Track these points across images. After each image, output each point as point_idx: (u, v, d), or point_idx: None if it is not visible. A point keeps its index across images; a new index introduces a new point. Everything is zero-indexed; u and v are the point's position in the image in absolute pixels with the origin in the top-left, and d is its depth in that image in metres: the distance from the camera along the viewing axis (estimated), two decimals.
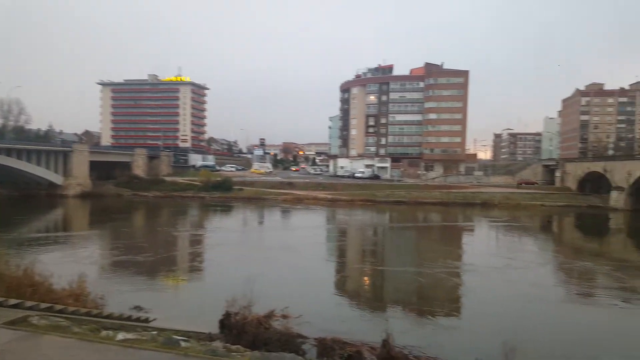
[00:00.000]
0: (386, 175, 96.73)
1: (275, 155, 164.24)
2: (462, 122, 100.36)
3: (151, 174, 79.47)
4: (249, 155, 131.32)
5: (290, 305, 12.76)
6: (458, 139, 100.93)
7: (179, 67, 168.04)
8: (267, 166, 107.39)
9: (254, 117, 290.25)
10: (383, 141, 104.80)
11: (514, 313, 16.54)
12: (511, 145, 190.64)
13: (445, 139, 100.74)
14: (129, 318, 12.51)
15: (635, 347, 13.96)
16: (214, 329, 11.63)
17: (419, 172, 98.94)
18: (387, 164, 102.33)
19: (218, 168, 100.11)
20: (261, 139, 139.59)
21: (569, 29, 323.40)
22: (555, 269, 26.37)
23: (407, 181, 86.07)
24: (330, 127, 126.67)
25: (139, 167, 78.78)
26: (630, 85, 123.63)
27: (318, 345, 11.38)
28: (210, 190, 65.27)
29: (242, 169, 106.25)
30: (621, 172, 57.69)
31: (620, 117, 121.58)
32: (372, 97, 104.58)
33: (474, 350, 11.70)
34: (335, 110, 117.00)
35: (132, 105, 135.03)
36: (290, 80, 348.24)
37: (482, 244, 34.82)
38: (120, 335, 8.22)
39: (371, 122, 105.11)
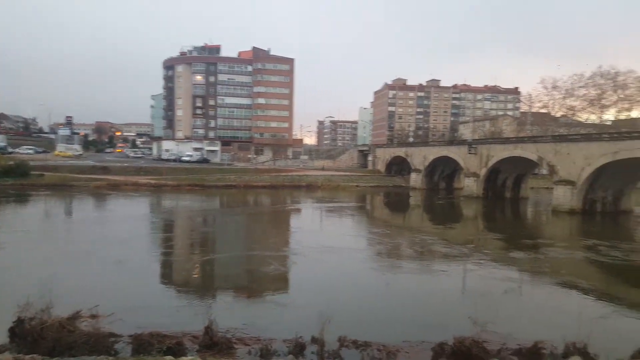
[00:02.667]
0: (216, 159, 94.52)
1: (86, 135, 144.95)
2: (289, 108, 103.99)
3: None
4: (53, 136, 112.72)
5: (106, 302, 11.28)
6: (286, 124, 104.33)
7: None
8: (76, 148, 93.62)
9: (59, 91, 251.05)
10: (212, 124, 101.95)
11: (336, 287, 17.56)
12: (332, 132, 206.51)
13: (274, 124, 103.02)
14: None
15: (434, 303, 16.15)
16: (3, 338, 9.57)
17: (250, 156, 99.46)
18: (217, 148, 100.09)
19: (11, 150, 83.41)
20: (68, 116, 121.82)
21: (384, 29, 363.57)
22: (370, 242, 29.22)
23: (237, 165, 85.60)
24: (152, 107, 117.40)
25: None
26: (426, 82, 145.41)
27: (133, 342, 10.13)
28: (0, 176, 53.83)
29: (44, 152, 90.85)
30: (419, 157, 67.60)
31: (418, 109, 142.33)
32: (199, 77, 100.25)
33: (296, 324, 11.88)
34: (159, 88, 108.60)
35: None
36: (106, 52, 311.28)
37: (309, 223, 36.60)
38: None
39: (199, 104, 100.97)
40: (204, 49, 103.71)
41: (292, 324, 12.07)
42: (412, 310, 14.96)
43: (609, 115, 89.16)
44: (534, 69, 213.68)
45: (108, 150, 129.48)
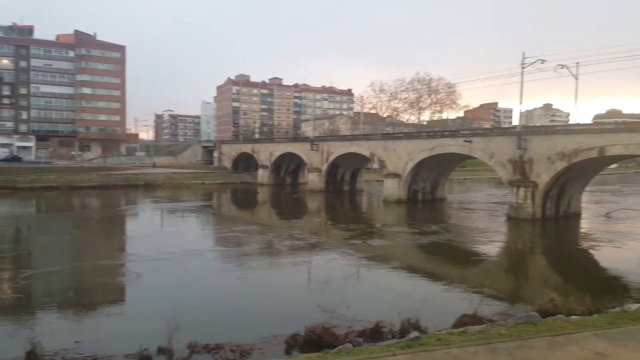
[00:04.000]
0: (30, 157, 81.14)
1: None
2: (121, 99, 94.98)
3: None
4: None
5: None
6: (117, 117, 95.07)
7: None
8: None
9: None
10: (24, 115, 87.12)
11: (183, 292, 16.54)
12: (172, 127, 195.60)
13: (103, 117, 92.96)
14: None
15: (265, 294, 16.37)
16: None
17: (73, 152, 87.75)
18: (31, 143, 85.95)
19: None
20: None
21: (228, 22, 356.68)
22: (218, 241, 28.42)
23: (58, 163, 74.55)
24: None
25: None
26: (269, 79, 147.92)
27: None
28: None
29: None
30: (265, 153, 68.48)
31: (263, 106, 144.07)
32: (5, 61, 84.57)
33: (140, 336, 10.88)
34: None
35: None
36: None
37: (148, 226, 33.92)
38: None
39: (6, 92, 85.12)
40: (12, 28, 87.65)
41: (135, 336, 10.99)
42: (265, 306, 14.93)
43: (425, 116, 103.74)
44: (365, 73, 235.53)
45: None
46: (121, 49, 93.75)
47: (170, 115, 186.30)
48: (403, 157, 44.51)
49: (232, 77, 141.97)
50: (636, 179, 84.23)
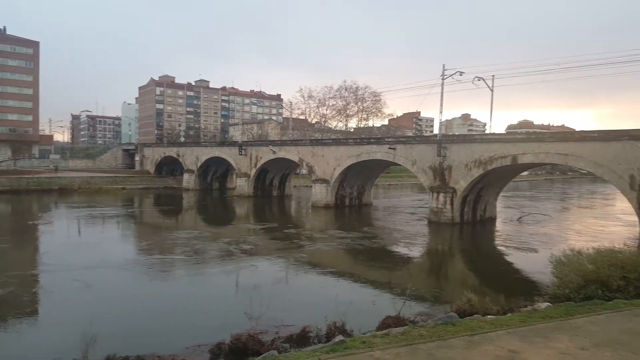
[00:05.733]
0: None
1: None
2: (34, 98, 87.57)
3: None
4: None
5: None
6: (29, 117, 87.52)
7: None
8: None
9: None
10: None
11: (101, 304, 15.38)
12: (90, 128, 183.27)
13: (13, 117, 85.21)
14: None
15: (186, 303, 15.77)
16: None
17: None
18: None
19: None
20: None
21: (148, 22, 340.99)
22: (139, 250, 26.85)
23: None
24: None
25: None
26: (195, 81, 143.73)
27: None
28: None
29: None
30: (191, 157, 66.20)
31: (189, 109, 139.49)
32: None
33: (54, 350, 10.11)
34: None
35: None
36: None
37: (62, 235, 31.26)
38: None
39: None
40: None
41: (48, 351, 10.18)
42: (190, 315, 14.32)
43: (352, 123, 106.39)
44: (294, 79, 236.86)
45: None
46: (34, 44, 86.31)
47: (88, 116, 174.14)
48: (331, 163, 45.18)
49: (156, 78, 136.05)
50: (546, 185, 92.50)
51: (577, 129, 73.31)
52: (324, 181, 45.37)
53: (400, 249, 27.77)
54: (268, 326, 12.34)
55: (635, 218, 25.99)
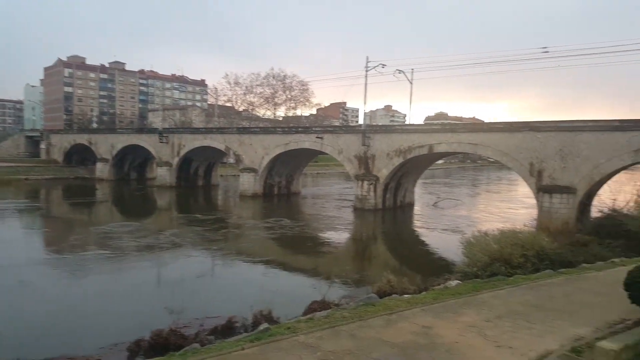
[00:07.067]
0: None
1: None
2: None
3: None
4: None
5: None
6: None
7: None
8: None
9: None
10: None
11: (4, 306, 14.10)
12: None
13: None
14: None
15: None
16: None
17: None
18: None
19: None
20: None
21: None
22: (49, 246, 24.89)
23: None
24: None
25: None
26: (110, 63, 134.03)
27: None
28: None
29: None
30: (105, 145, 61.95)
31: (102, 93, 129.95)
32: None
33: None
34: None
35: None
36: None
37: None
38: None
39: None
40: None
41: None
42: (107, 314, 13.60)
43: (281, 112, 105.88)
44: (220, 64, 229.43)
45: None
46: None
47: None
48: (259, 151, 44.74)
49: (64, 59, 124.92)
50: (459, 173, 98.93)
51: (486, 121, 79.22)
52: (252, 170, 44.86)
53: (327, 236, 28.43)
54: (192, 319, 12.11)
55: (535, 201, 28.81)
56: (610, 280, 11.50)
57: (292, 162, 46.79)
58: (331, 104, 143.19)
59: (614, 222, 20.45)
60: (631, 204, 23.08)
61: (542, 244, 15.63)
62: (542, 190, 27.55)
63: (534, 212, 29.48)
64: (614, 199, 23.32)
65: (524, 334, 8.26)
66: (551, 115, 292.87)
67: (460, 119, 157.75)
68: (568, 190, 26.61)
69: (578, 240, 18.30)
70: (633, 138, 24.89)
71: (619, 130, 25.57)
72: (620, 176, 29.43)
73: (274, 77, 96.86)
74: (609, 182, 27.82)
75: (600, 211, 23.98)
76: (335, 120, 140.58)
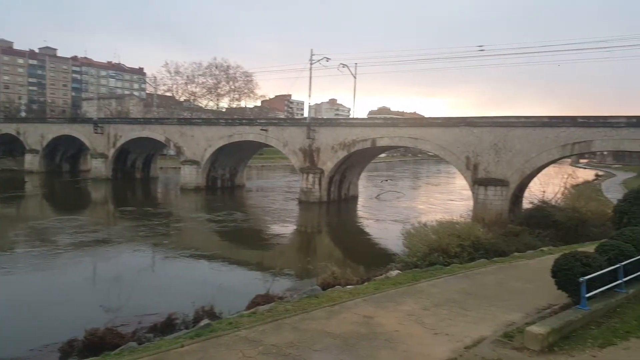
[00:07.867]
0: None
1: None
2: None
3: None
4: None
5: None
6: None
7: None
8: None
9: None
10: None
11: None
12: None
13: None
14: None
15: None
16: None
17: None
18: None
19: None
20: None
21: None
22: None
23: None
24: None
25: None
26: (40, 49, 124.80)
27: None
28: None
29: None
30: (35, 135, 57.79)
31: (31, 80, 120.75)
32: None
33: None
34: None
35: None
36: None
37: None
38: None
39: None
40: None
41: None
42: (37, 315, 12.80)
43: (224, 103, 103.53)
44: (159, 53, 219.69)
45: None
46: None
47: None
48: (202, 143, 43.57)
49: None
50: (400, 166, 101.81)
51: (426, 116, 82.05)
52: (194, 162, 43.61)
53: (272, 229, 28.30)
54: (130, 317, 11.67)
55: (471, 193, 30.28)
56: (539, 268, 12.27)
57: (236, 155, 46.01)
58: (276, 96, 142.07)
59: (543, 213, 21.93)
60: (559, 195, 24.83)
61: (478, 234, 16.50)
62: (478, 183, 29.01)
63: (470, 204, 30.97)
64: (543, 191, 24.96)
65: (459, 321, 8.66)
66: (488, 111, 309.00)
67: (402, 113, 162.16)
68: (502, 183, 28.21)
69: (510, 230, 19.47)
70: (561, 134, 26.81)
71: (548, 126, 27.43)
72: (549, 169, 31.56)
73: (216, 67, 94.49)
74: (539, 175, 29.77)
75: (531, 203, 25.64)
76: (280, 112, 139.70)
